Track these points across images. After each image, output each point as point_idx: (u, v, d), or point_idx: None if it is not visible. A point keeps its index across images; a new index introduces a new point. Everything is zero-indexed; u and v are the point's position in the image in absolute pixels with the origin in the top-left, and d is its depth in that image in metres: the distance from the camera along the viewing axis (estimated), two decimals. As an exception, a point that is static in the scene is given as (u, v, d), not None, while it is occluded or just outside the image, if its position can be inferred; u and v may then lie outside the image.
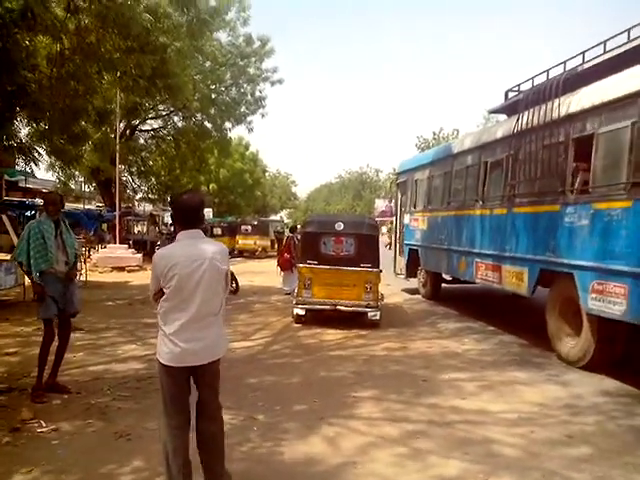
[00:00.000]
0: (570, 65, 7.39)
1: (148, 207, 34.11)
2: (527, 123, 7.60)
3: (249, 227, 29.10)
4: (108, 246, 21.47)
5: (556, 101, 6.99)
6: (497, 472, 3.77)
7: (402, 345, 7.70)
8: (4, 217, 17.22)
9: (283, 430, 4.44)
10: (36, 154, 14.20)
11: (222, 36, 24.34)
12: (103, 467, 3.72)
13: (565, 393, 5.62)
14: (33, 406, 4.79)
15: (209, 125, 25.51)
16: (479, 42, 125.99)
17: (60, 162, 18.02)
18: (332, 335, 8.36)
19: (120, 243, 21.24)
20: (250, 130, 26.63)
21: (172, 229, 24.31)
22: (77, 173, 24.47)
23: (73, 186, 26.96)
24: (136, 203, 32.38)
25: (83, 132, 14.87)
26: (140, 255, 20.31)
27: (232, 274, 7.86)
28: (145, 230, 29.60)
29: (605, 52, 6.84)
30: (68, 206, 23.79)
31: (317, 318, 9.27)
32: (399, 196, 14.19)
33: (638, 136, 5.54)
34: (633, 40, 6.39)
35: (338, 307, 8.88)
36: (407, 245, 13.00)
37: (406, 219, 13.29)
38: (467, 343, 7.96)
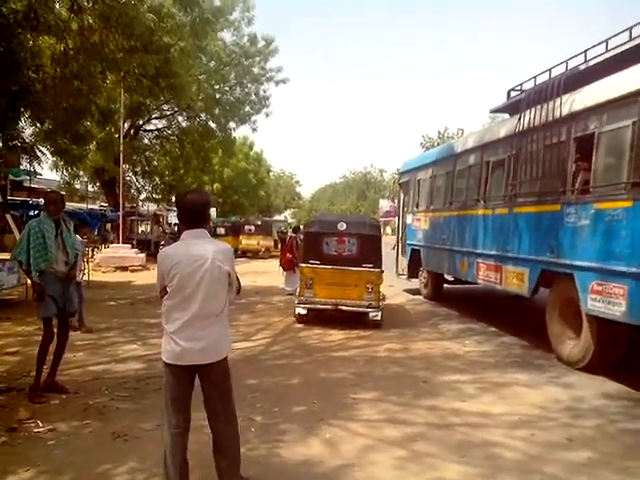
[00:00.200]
0: (572, 64, 7.36)
1: (152, 207, 34.18)
2: (528, 122, 7.55)
3: (252, 227, 29.10)
4: (111, 246, 21.53)
5: (557, 100, 6.95)
6: (496, 475, 3.74)
7: (403, 346, 7.67)
8: (8, 217, 17.31)
9: (281, 432, 4.42)
10: (39, 154, 14.21)
11: (226, 36, 24.45)
12: (99, 467, 3.71)
13: (566, 395, 5.57)
14: (31, 406, 4.78)
15: (213, 125, 25.57)
16: (484, 41, 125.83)
17: (64, 162, 18.08)
18: (333, 336, 8.34)
19: (123, 243, 21.29)
20: (254, 130, 26.77)
21: (176, 229, 24.40)
22: (81, 173, 24.55)
23: (77, 186, 27.06)
24: (140, 203, 32.43)
25: (87, 132, 14.92)
26: (143, 255, 20.33)
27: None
28: (149, 230, 29.66)
29: (607, 51, 6.79)
30: (72, 206, 23.89)
31: (319, 318, 9.26)
32: (402, 196, 14.16)
33: (639, 136, 5.50)
34: (635, 39, 6.34)
35: (340, 307, 8.89)
36: (409, 245, 12.96)
37: (408, 219, 13.25)
38: (468, 345, 7.92)
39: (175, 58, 13.76)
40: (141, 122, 25.42)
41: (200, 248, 3.15)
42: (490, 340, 8.26)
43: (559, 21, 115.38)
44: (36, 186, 23.36)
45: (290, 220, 58.58)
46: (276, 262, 14.63)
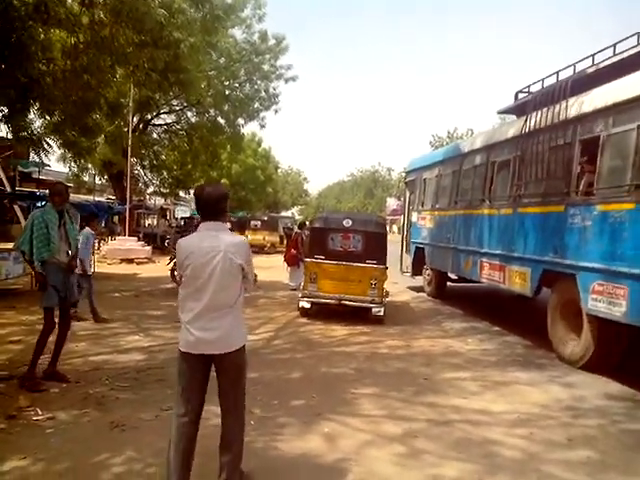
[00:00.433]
0: (580, 67, 7.40)
1: (159, 201, 34.31)
2: (535, 124, 7.59)
3: (258, 222, 29.22)
4: (118, 238, 21.62)
5: (564, 103, 6.99)
6: (495, 473, 3.71)
7: (405, 343, 7.65)
8: (16, 207, 17.41)
9: (280, 425, 4.41)
10: (47, 146, 14.28)
11: (237, 33, 24.40)
12: (96, 457, 3.71)
13: (567, 395, 5.54)
14: (31, 394, 4.80)
15: (222, 121, 25.56)
16: (499, 41, 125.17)
17: (72, 154, 18.15)
18: (336, 331, 8.34)
19: (130, 235, 21.38)
20: (263, 126, 26.71)
21: (182, 223, 24.42)
22: (90, 165, 24.65)
23: (86, 178, 27.18)
24: (147, 196, 32.54)
25: (96, 125, 14.95)
26: (149, 248, 20.41)
27: None
28: (155, 223, 29.76)
29: (614, 55, 6.82)
30: (79, 198, 24.01)
31: (322, 313, 9.31)
32: (408, 194, 14.22)
33: None
34: None
35: (343, 302, 8.98)
36: (414, 243, 13.04)
37: (414, 217, 13.31)
38: (471, 343, 7.90)
39: (185, 54, 13.75)
40: (150, 116, 25.46)
41: (214, 240, 3.17)
42: (493, 339, 8.23)
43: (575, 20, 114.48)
44: (44, 178, 23.49)
45: (297, 217, 58.65)
46: (281, 257, 14.66)
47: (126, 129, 21.21)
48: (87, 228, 9.09)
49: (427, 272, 12.75)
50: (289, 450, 3.96)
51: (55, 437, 4.00)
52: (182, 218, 27.81)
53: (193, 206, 46.93)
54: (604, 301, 5.83)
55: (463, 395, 5.38)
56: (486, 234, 9.05)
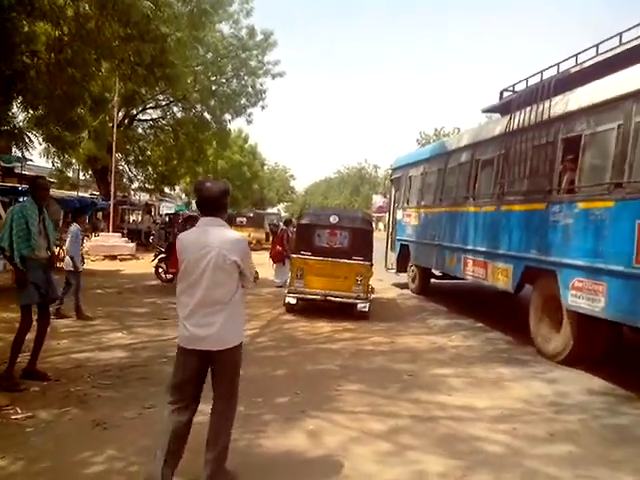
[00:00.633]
0: (563, 67, 7.47)
1: (144, 197, 33.99)
2: (518, 123, 7.68)
3: (244, 219, 29.07)
4: (101, 234, 21.40)
5: (547, 102, 7.08)
6: (477, 469, 3.72)
7: (390, 340, 7.67)
8: (-3, 203, 17.11)
9: (264, 422, 4.38)
10: (30, 140, 14.06)
11: (224, 28, 24.22)
12: (77, 455, 3.66)
13: (550, 391, 5.59)
14: (10, 393, 4.72)
15: (208, 116, 25.41)
16: (484, 40, 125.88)
17: (56, 149, 17.89)
18: (321, 328, 8.33)
19: (114, 232, 21.17)
20: (249, 122, 26.58)
21: (167, 219, 24.23)
22: (74, 161, 24.35)
23: (70, 174, 26.84)
24: (132, 192, 32.22)
25: (80, 119, 14.75)
26: (133, 244, 20.23)
27: None
28: (140, 220, 29.51)
29: (597, 55, 6.90)
30: (63, 193, 23.68)
31: (307, 310, 9.32)
32: (393, 192, 14.28)
33: (623, 139, 5.63)
34: (624, 44, 6.45)
35: (328, 297, 9.03)
36: (399, 240, 13.11)
37: (399, 215, 13.38)
38: (455, 339, 7.93)
39: (171, 48, 13.60)
40: (135, 111, 25.25)
41: (209, 236, 3.16)
42: (477, 335, 8.28)
43: (560, 20, 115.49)
44: (27, 173, 23.09)
45: (283, 214, 58.50)
46: (266, 254, 14.60)
47: (111, 124, 20.98)
48: (74, 224, 8.91)
49: (412, 269, 12.85)
50: (273, 447, 3.94)
51: (35, 436, 3.94)
52: (167, 214, 27.56)
53: (178, 202, 46.63)
54: (584, 297, 5.94)
55: (447, 391, 5.40)
56: (470, 231, 9.13)
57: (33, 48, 10.90)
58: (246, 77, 25.61)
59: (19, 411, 4.35)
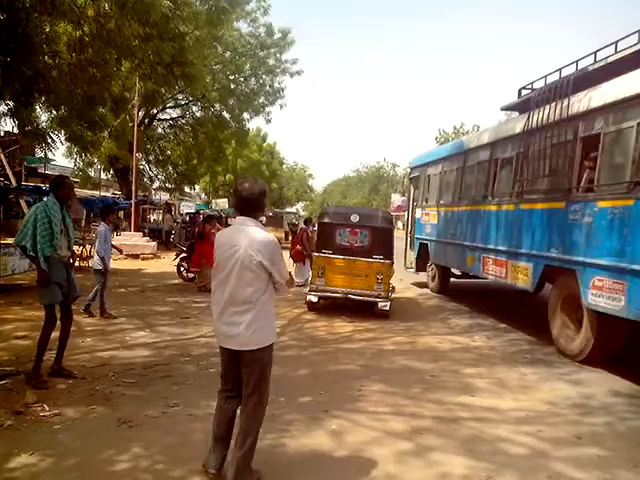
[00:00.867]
0: (582, 65, 7.38)
1: (165, 196, 34.29)
2: (537, 121, 7.62)
3: (264, 218, 29.07)
4: (123, 233, 21.62)
5: (566, 100, 7.01)
6: (503, 471, 3.68)
7: (411, 340, 7.63)
8: (22, 202, 17.44)
9: (287, 422, 4.38)
10: (52, 140, 14.30)
11: (242, 26, 24.34)
12: (103, 453, 3.71)
13: (575, 392, 5.51)
14: (38, 390, 4.80)
15: (227, 115, 25.57)
16: (506, 36, 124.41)
17: (78, 148, 18.15)
18: (341, 328, 8.33)
19: (135, 231, 21.38)
20: (268, 121, 26.67)
21: (187, 219, 24.41)
22: (95, 160, 24.69)
23: (92, 174, 27.22)
24: (153, 192, 32.53)
25: (101, 119, 14.95)
26: (154, 243, 20.40)
27: None
28: (160, 219, 29.77)
29: (616, 52, 6.82)
30: (84, 193, 24.02)
31: (328, 309, 9.36)
32: (412, 190, 14.23)
33: None
34: None
35: (349, 296, 9.07)
36: (418, 239, 13.08)
37: (417, 213, 13.34)
38: (477, 340, 7.86)
39: (190, 47, 13.73)
40: (155, 111, 25.45)
41: (240, 235, 3.19)
42: (499, 336, 8.19)
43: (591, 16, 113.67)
44: (50, 172, 23.57)
45: (302, 213, 58.59)
46: (286, 254, 14.62)
47: (131, 124, 21.20)
48: (102, 224, 8.79)
49: (431, 268, 12.81)
50: (297, 447, 3.94)
51: (62, 433, 4.00)
52: (187, 214, 27.77)
53: (197, 201, 46.96)
54: (603, 296, 5.90)
55: (470, 392, 5.35)
56: (489, 230, 9.08)
57: (54, 48, 11.05)
58: (264, 76, 25.71)
59: (47, 408, 4.42)
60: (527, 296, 9.88)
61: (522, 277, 7.86)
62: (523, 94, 8.92)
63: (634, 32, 6.59)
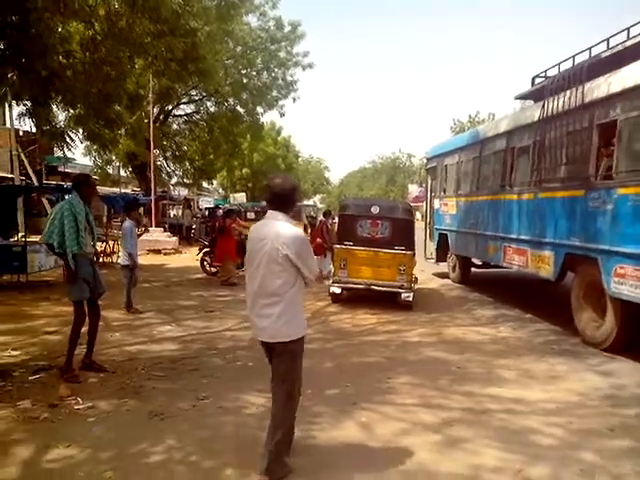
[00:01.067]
0: (595, 52, 7.32)
1: (183, 191, 34.54)
2: (552, 109, 7.56)
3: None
4: (149, 229, 21.83)
5: (580, 87, 6.94)
6: (535, 462, 3.66)
7: (436, 331, 7.60)
8: (44, 200, 17.68)
9: (316, 414, 4.40)
10: (71, 139, 14.44)
11: (252, 20, 24.30)
12: (137, 445, 3.77)
13: (606, 383, 5.44)
14: (71, 384, 4.88)
15: (241, 110, 25.57)
16: (520, 24, 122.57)
17: (97, 146, 18.29)
18: (365, 320, 8.33)
19: (156, 227, 21.57)
20: (282, 115, 26.66)
21: (206, 213, 24.53)
22: (114, 158, 24.92)
23: (110, 171, 27.50)
24: (171, 187, 32.78)
25: (117, 116, 15.03)
26: (175, 238, 20.56)
27: None
28: (180, 214, 29.99)
29: (628, 39, 6.75)
30: (104, 190, 24.27)
31: (351, 301, 9.41)
32: (429, 181, 14.17)
33: None
34: None
35: (372, 287, 9.10)
36: (437, 230, 13.03)
37: (436, 204, 13.29)
38: (503, 330, 7.80)
39: (202, 42, 13.70)
40: (170, 107, 25.58)
41: (269, 229, 3.25)
42: (525, 326, 8.12)
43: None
44: (70, 171, 23.81)
45: (319, 205, 58.52)
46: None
47: (147, 120, 21.33)
48: (128, 220, 8.87)
49: (451, 258, 12.76)
50: (327, 439, 3.96)
51: (97, 426, 4.07)
52: (207, 208, 27.90)
53: (215, 196, 47.21)
54: (626, 283, 5.86)
55: (498, 384, 5.32)
56: (509, 219, 9.03)
57: (68, 48, 11.13)
58: (276, 69, 25.64)
59: (80, 401, 4.50)
60: (549, 285, 9.78)
61: (544, 266, 7.82)
62: (537, 82, 8.84)
63: None
